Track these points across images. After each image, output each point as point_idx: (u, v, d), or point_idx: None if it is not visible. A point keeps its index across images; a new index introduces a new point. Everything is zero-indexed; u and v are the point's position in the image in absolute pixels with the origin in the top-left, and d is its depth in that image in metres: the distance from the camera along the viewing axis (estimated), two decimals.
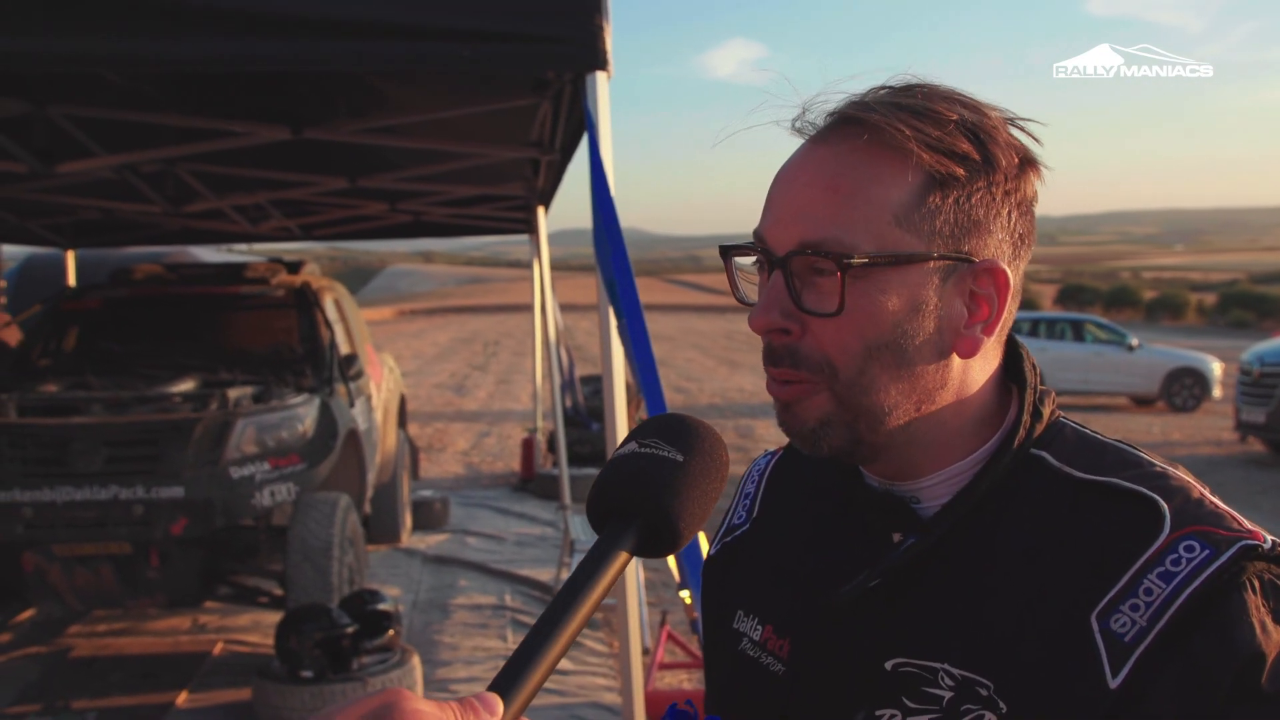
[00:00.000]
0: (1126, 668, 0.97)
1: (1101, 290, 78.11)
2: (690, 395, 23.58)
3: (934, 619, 1.10)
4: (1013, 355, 1.19)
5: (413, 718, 0.77)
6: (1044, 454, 1.13)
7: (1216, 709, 0.95)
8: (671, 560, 3.84)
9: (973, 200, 1.09)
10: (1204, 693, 0.95)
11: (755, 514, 1.36)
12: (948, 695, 1.06)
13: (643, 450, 1.02)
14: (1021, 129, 1.13)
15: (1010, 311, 1.14)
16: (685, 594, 3.55)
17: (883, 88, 1.12)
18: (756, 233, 1.15)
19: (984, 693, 1.04)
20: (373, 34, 3.53)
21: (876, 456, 1.15)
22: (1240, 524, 1.02)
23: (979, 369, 1.15)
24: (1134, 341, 22.28)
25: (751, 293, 1.18)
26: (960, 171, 1.08)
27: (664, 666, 6.23)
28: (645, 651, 6.51)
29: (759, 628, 1.27)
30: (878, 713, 1.11)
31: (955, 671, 1.06)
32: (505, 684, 0.86)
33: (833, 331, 1.09)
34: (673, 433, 1.04)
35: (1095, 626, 1.00)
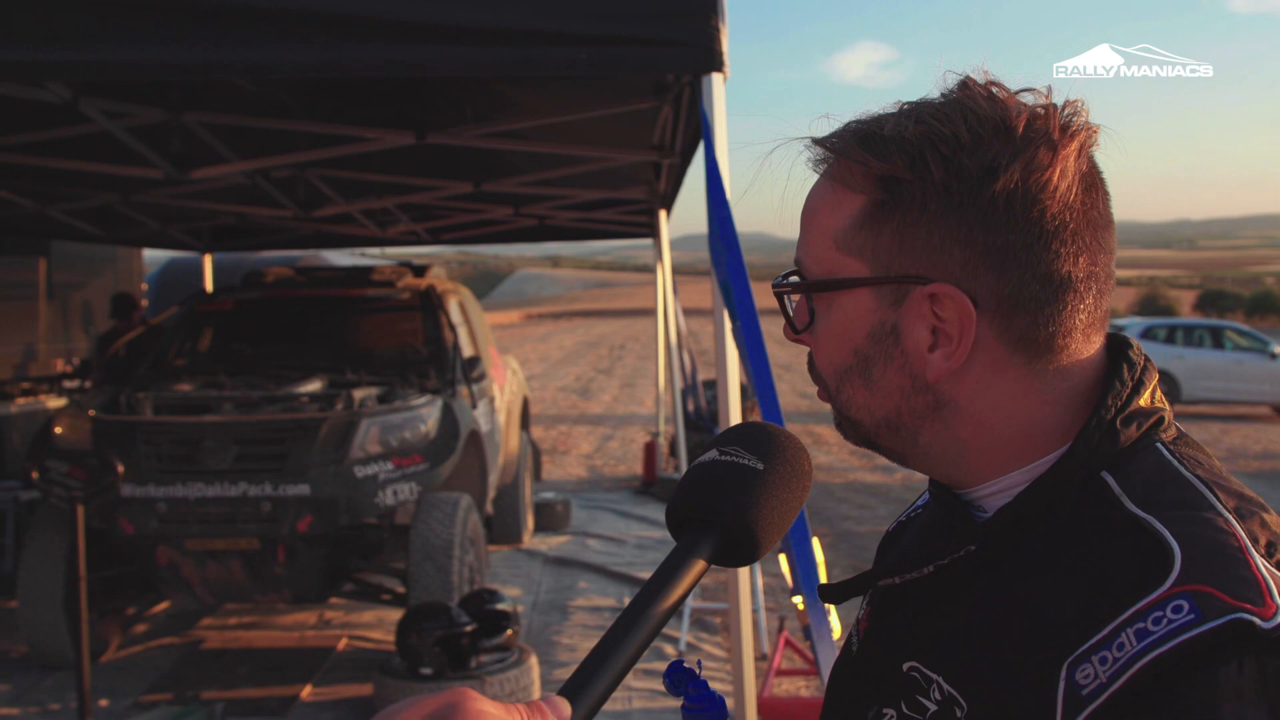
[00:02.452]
0: None
1: (1243, 296, 75.69)
2: (816, 401, 23.34)
3: (949, 629, 1.06)
4: (1114, 368, 1.10)
5: (477, 718, 0.76)
6: (1109, 479, 1.03)
7: None
8: (784, 564, 3.80)
9: (915, 218, 1.04)
10: None
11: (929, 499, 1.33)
12: (932, 708, 1.03)
13: (723, 458, 1.01)
14: (1053, 115, 1.04)
15: (1060, 321, 1.05)
16: (798, 600, 3.50)
17: (906, 104, 1.09)
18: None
19: (959, 714, 1.00)
20: (493, 39, 3.57)
21: (904, 462, 1.16)
22: (1269, 598, 0.88)
23: (1006, 388, 1.07)
24: (1277, 349, 21.48)
25: None
26: (887, 196, 1.05)
27: (781, 673, 6.19)
28: (763, 657, 6.47)
29: (864, 608, 1.27)
30: (884, 710, 1.10)
31: (945, 686, 1.03)
32: (576, 688, 0.86)
33: (816, 350, 1.15)
34: (754, 441, 1.03)
35: (1064, 673, 0.92)
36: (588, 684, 0.86)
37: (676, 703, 1.05)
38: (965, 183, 1.02)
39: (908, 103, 1.10)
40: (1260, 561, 0.92)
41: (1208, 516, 0.96)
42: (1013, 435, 1.08)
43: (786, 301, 1.18)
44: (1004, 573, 1.04)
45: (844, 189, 1.09)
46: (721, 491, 0.98)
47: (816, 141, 1.13)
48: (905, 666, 1.09)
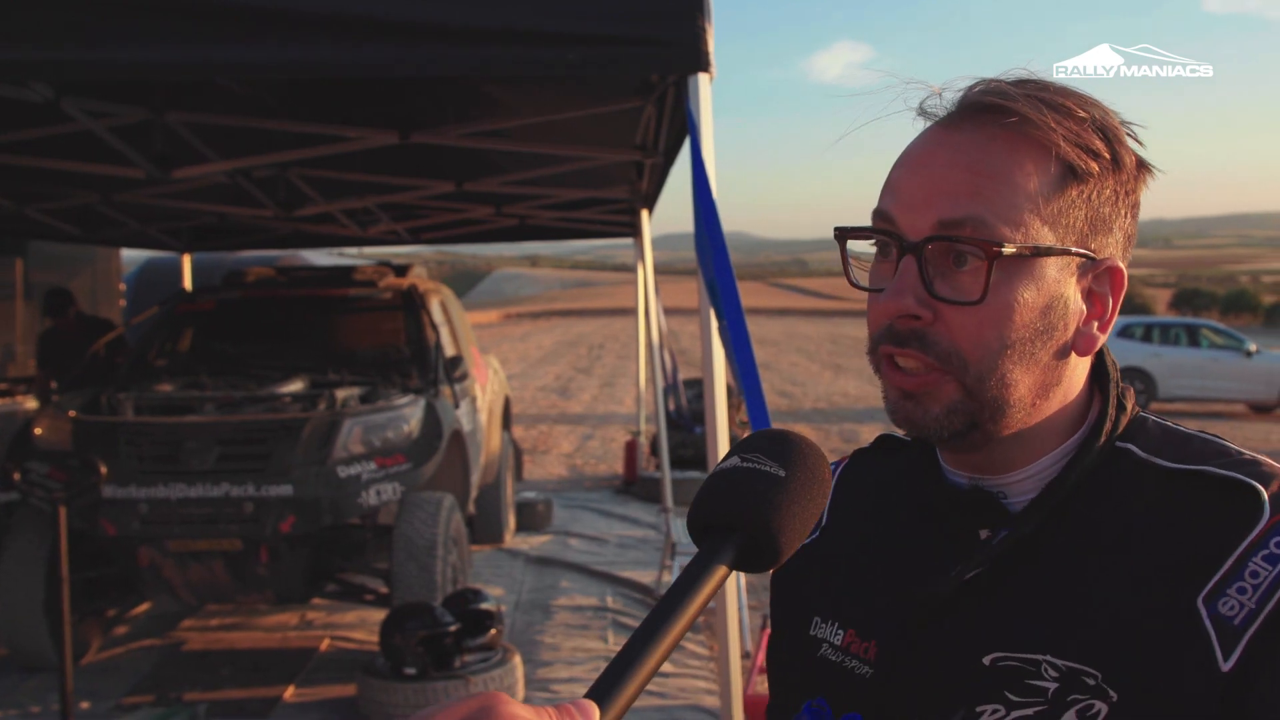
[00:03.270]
0: (1238, 650, 0.97)
1: (1218, 295, 76.26)
2: (794, 400, 23.45)
3: (1031, 612, 1.09)
4: (1097, 353, 1.19)
5: None
6: (1130, 446, 1.13)
7: None
8: None
9: (1102, 198, 1.10)
10: None
11: (824, 523, 1.35)
12: (1053, 687, 1.05)
13: (745, 464, 1.01)
14: (1132, 135, 1.13)
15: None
16: None
17: (996, 81, 1.12)
18: (883, 213, 1.12)
19: (1091, 682, 1.03)
20: (479, 39, 3.57)
21: (985, 445, 1.14)
22: None
23: (1084, 367, 1.16)
24: (1252, 347, 21.66)
25: (865, 278, 1.16)
26: (1095, 168, 1.08)
27: (764, 671, 6.20)
28: (745, 655, 6.48)
29: (839, 633, 1.25)
30: (978, 709, 1.09)
31: (1059, 662, 1.06)
32: (602, 692, 0.86)
33: (971, 323, 1.07)
34: (775, 448, 1.03)
35: (1203, 611, 1.00)
36: (614, 688, 0.86)
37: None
38: (1131, 172, 1.12)
39: (1019, 80, 1.11)
40: None
41: (1250, 458, 1.07)
42: (1071, 415, 1.16)
43: (925, 267, 1.08)
44: (1062, 546, 1.11)
45: (1038, 153, 1.08)
46: (744, 498, 0.99)
47: (997, 97, 1.09)
48: (988, 660, 1.10)
